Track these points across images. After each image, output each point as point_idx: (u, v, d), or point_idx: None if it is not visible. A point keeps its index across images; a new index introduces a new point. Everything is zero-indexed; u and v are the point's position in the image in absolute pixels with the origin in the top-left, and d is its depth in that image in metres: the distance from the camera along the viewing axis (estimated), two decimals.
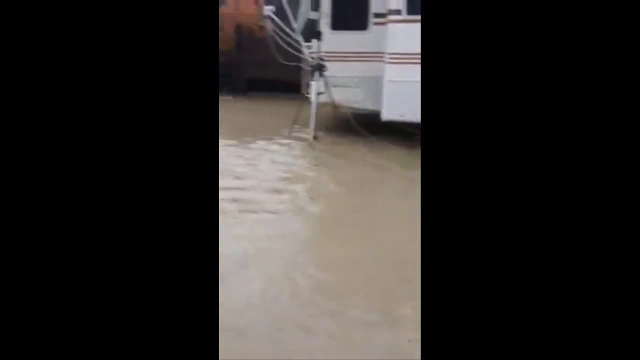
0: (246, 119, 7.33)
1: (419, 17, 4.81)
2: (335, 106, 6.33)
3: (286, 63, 6.43)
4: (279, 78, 7.84)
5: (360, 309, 2.50)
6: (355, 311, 2.47)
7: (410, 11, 5.46)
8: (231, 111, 8.09)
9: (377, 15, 5.89)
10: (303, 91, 6.66)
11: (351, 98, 6.22)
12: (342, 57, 6.14)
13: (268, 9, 6.43)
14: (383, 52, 5.74)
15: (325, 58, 6.09)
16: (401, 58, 5.54)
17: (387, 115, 5.79)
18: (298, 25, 6.25)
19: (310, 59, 6.19)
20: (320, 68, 6.06)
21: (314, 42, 6.16)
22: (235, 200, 3.92)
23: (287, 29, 6.24)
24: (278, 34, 6.25)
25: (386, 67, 5.72)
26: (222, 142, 5.83)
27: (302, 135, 6.12)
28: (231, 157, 5.23)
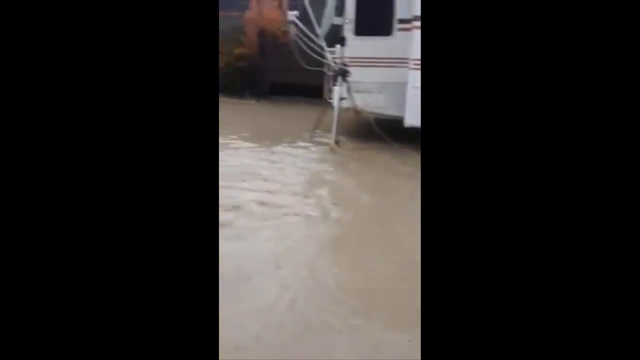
0: (269, 122, 7.39)
1: None
2: (357, 111, 6.33)
3: (309, 68, 6.46)
4: (302, 83, 7.89)
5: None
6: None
7: None
8: (254, 115, 8.21)
9: (402, 21, 5.87)
10: (325, 96, 6.69)
11: (374, 103, 6.21)
12: (366, 62, 6.15)
13: (292, 14, 6.48)
14: (407, 58, 5.72)
15: (349, 63, 6.09)
16: None
17: (410, 121, 5.75)
18: (322, 30, 6.27)
19: (333, 64, 6.21)
20: (343, 73, 6.07)
21: (337, 47, 6.17)
22: (263, 204, 3.98)
23: (310, 34, 6.27)
24: (301, 39, 6.28)
25: (410, 73, 5.69)
26: (246, 145, 5.92)
27: (324, 140, 6.14)
28: (255, 160, 5.29)
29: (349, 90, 6.11)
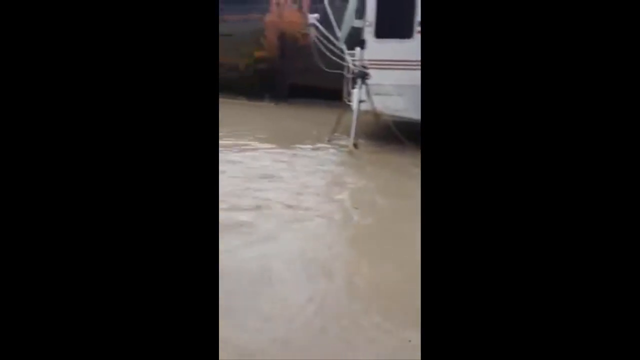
0: (288, 125, 7.43)
1: None
2: (376, 114, 6.32)
3: (328, 70, 6.47)
4: (321, 85, 7.90)
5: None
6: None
7: None
8: (273, 117, 8.25)
9: None
10: (345, 99, 6.69)
11: (393, 106, 6.18)
12: (386, 65, 6.13)
13: (312, 17, 6.50)
14: None
15: (369, 66, 6.09)
16: None
17: None
18: (342, 33, 6.28)
19: (352, 67, 6.21)
20: (363, 76, 6.07)
21: (357, 50, 6.18)
22: (290, 207, 4.04)
23: (330, 37, 6.29)
24: (321, 42, 6.30)
25: None
26: (264, 146, 5.97)
27: (343, 142, 6.14)
28: (274, 162, 5.33)
29: (368, 92, 6.10)
